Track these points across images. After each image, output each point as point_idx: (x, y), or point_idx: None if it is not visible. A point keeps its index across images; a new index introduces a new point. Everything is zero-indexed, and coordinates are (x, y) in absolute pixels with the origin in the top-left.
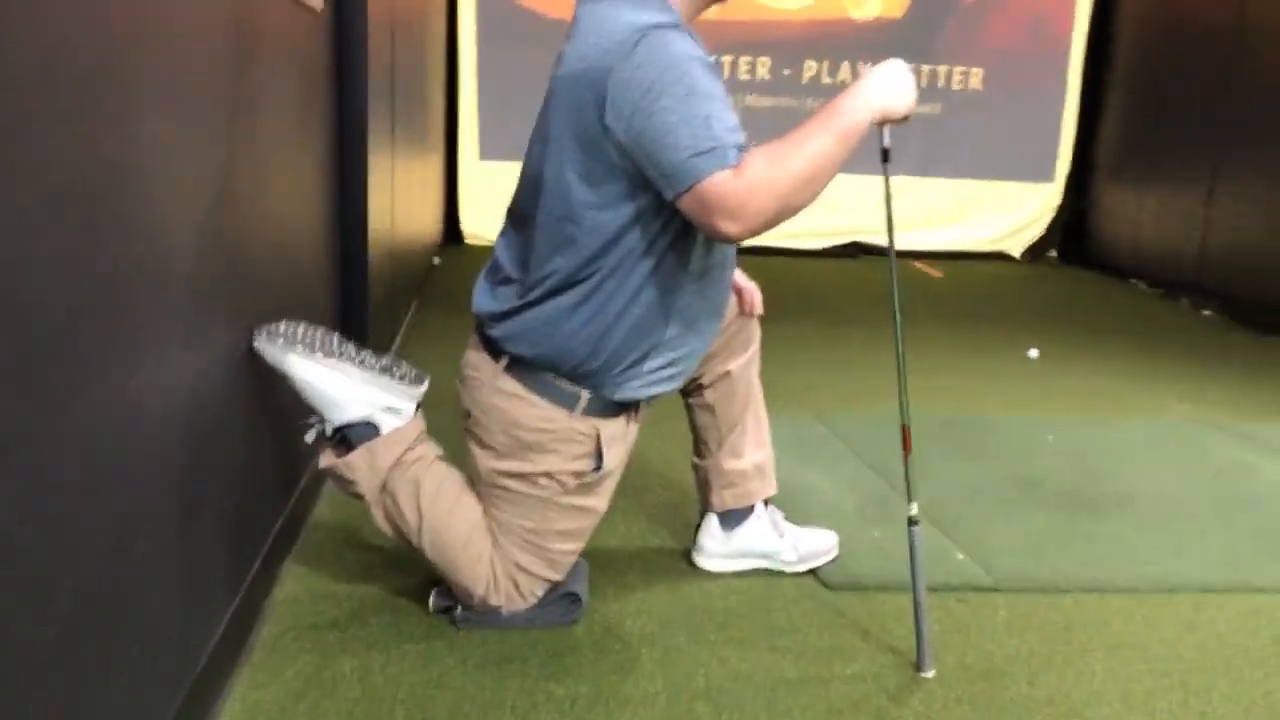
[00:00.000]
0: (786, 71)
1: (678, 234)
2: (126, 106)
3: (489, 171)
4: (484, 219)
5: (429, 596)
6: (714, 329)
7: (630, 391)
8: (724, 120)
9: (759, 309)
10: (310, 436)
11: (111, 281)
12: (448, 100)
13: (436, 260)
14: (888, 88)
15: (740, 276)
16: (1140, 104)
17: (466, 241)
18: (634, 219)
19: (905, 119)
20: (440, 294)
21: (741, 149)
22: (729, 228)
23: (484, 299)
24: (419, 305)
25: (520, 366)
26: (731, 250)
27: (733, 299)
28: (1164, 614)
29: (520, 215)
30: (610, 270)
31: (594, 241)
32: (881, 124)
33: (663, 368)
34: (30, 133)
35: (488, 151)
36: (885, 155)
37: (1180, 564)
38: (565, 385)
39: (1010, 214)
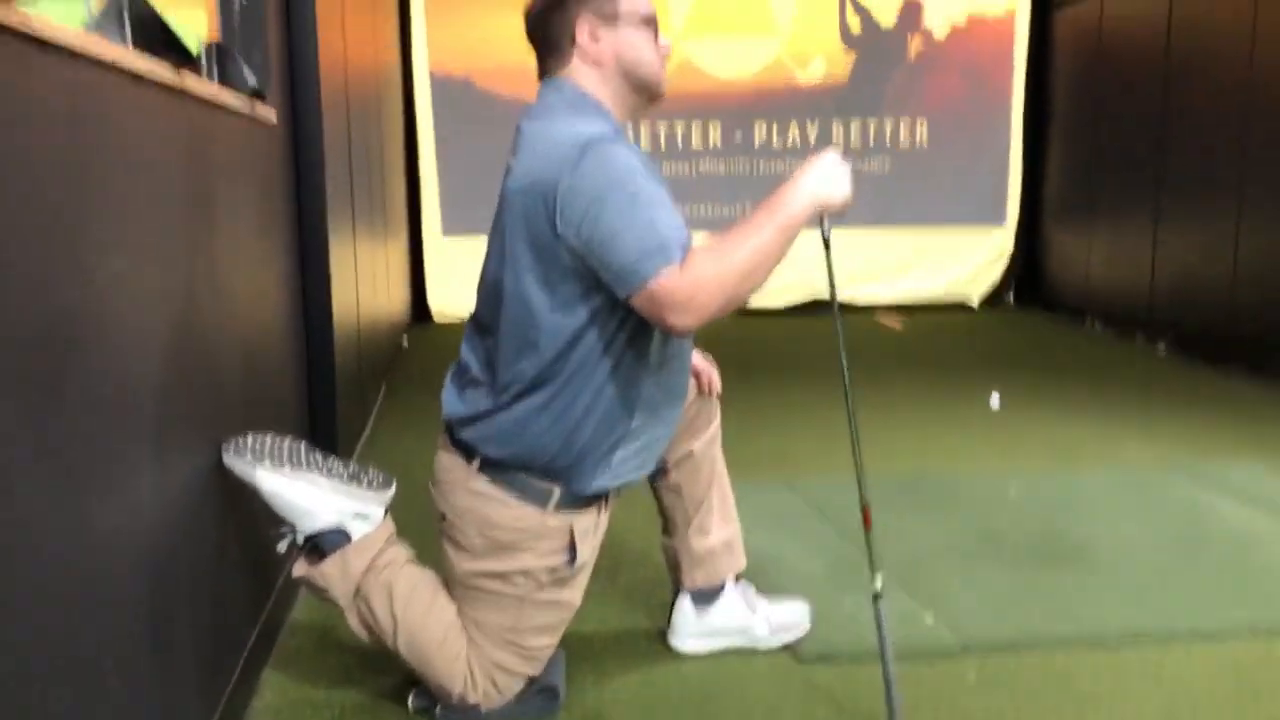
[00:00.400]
0: (737, 137)
1: (634, 329)
2: (83, 250)
3: (453, 247)
4: (450, 295)
5: (408, 697)
6: (676, 415)
7: (601, 483)
8: (668, 221)
9: (718, 388)
10: (282, 546)
11: (74, 416)
12: (409, 178)
13: (405, 341)
14: (825, 180)
15: (698, 358)
16: (1081, 148)
17: (435, 319)
18: (591, 319)
19: (843, 209)
20: (410, 374)
21: (686, 247)
22: (680, 321)
23: (453, 403)
24: (388, 388)
25: (492, 467)
26: (688, 339)
27: (692, 381)
28: (1130, 666)
29: (482, 322)
30: (574, 369)
31: (556, 343)
32: (821, 215)
33: (630, 458)
34: None
35: (450, 226)
36: (826, 244)
37: (1143, 613)
38: (537, 482)
39: (964, 261)
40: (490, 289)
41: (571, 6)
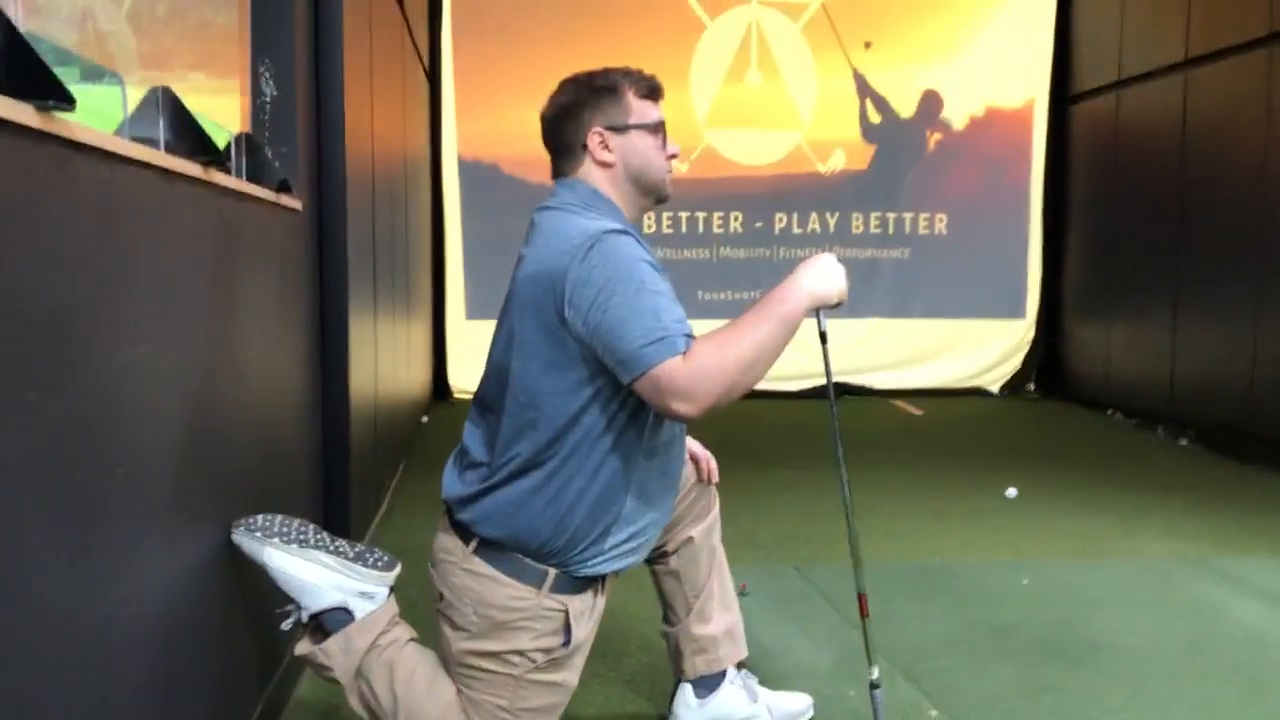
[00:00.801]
0: (758, 224)
1: (632, 414)
2: (107, 337)
3: (476, 330)
4: (472, 375)
5: None
6: (670, 501)
7: (595, 567)
8: (672, 313)
9: (715, 477)
10: (287, 624)
11: (87, 497)
12: (435, 263)
13: (424, 419)
14: (821, 277)
15: (696, 446)
16: (1099, 241)
17: (455, 397)
18: (592, 402)
19: (839, 304)
20: (428, 452)
21: (690, 338)
22: (681, 408)
23: (452, 484)
24: (406, 466)
25: (489, 548)
26: (682, 427)
27: (690, 468)
28: None
29: (486, 403)
30: (570, 451)
31: (555, 424)
32: (817, 310)
33: (624, 542)
34: (9, 369)
35: (474, 310)
36: (823, 338)
37: (1151, 713)
38: (532, 564)
39: (985, 350)
40: (495, 371)
41: (584, 116)
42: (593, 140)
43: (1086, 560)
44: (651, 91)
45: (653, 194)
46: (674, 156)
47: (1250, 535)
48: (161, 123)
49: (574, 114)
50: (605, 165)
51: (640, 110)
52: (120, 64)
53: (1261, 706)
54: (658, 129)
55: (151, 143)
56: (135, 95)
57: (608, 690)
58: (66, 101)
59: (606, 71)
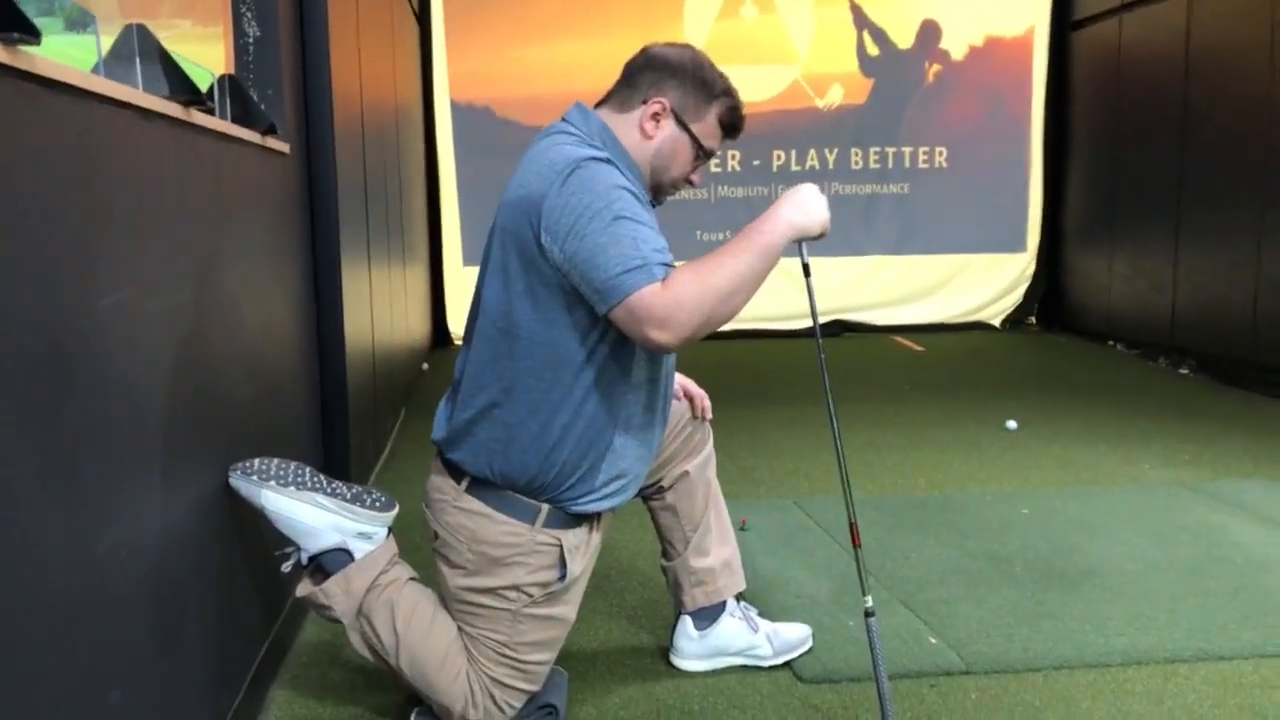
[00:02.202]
0: (756, 162)
1: (614, 347)
2: (90, 280)
3: (474, 276)
4: None
5: (410, 715)
6: (657, 440)
7: (586, 505)
8: (651, 241)
9: (709, 413)
10: (287, 566)
11: (75, 438)
12: (430, 209)
13: (425, 365)
14: (803, 208)
15: (690, 383)
16: (1100, 171)
17: (455, 343)
18: (572, 333)
19: (820, 235)
20: (430, 398)
21: (669, 267)
22: (658, 336)
23: (442, 423)
24: (408, 411)
25: (480, 485)
26: (671, 364)
27: (684, 404)
28: (1133, 688)
29: (470, 331)
30: (551, 382)
31: (536, 354)
32: (799, 241)
33: (614, 479)
34: None
35: (471, 257)
36: (806, 270)
37: (1149, 635)
38: (525, 500)
39: (986, 285)
40: (477, 296)
41: (669, 83)
42: (654, 105)
43: (1087, 488)
44: (732, 127)
45: (651, 188)
46: (691, 183)
47: (1251, 460)
48: (138, 62)
49: (665, 74)
50: (644, 133)
51: (710, 130)
52: (103, 12)
53: (1260, 628)
54: (705, 154)
55: (129, 81)
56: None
57: (610, 625)
58: (31, 34)
59: (721, 76)
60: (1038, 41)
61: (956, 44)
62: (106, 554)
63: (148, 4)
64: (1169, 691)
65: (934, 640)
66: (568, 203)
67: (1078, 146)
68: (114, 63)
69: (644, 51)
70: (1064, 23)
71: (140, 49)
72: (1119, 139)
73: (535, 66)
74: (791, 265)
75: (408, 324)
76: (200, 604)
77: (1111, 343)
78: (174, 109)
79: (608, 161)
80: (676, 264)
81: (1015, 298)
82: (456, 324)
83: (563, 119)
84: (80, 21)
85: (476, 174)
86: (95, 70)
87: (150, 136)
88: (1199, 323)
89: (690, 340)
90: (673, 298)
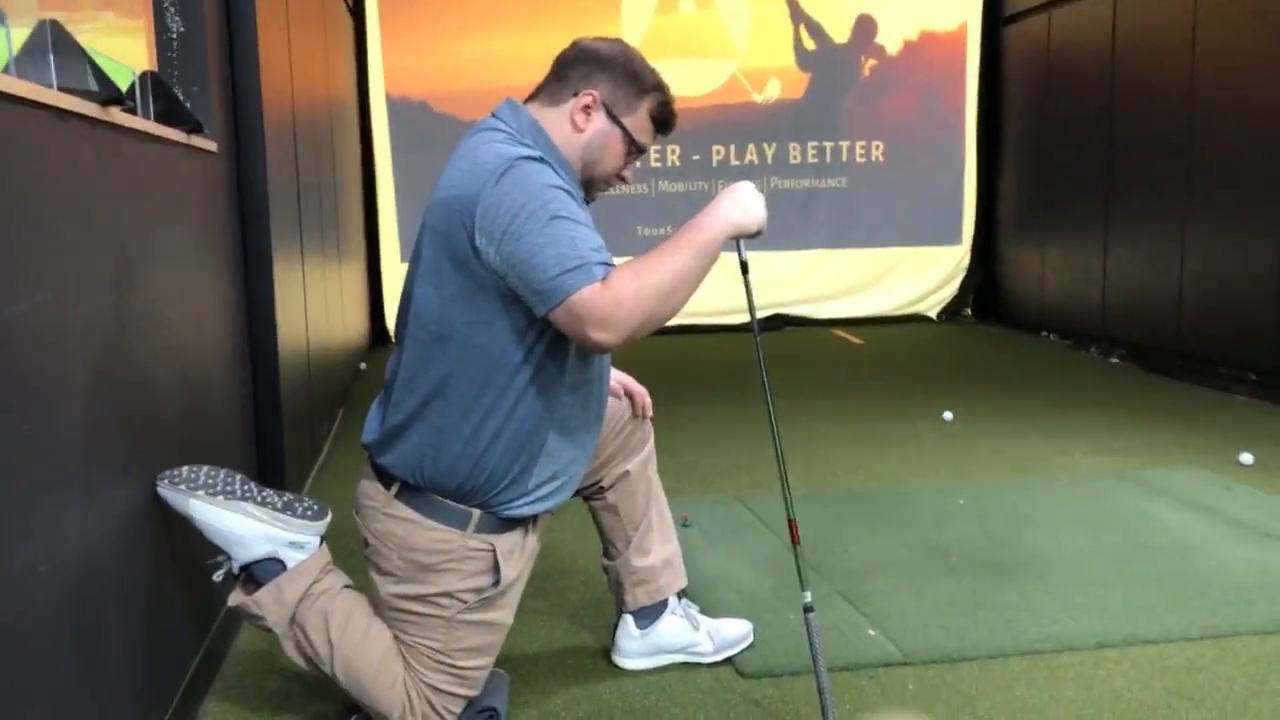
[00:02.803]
0: (696, 157)
1: (550, 347)
2: (3, 287)
3: None
4: None
5: None
6: (593, 441)
7: (520, 509)
8: (589, 241)
9: (649, 411)
10: (219, 576)
11: None
12: (366, 206)
13: (363, 365)
14: (740, 206)
15: (629, 381)
16: (1032, 164)
17: (394, 341)
18: (507, 334)
19: (758, 233)
20: (368, 398)
21: (607, 266)
22: (600, 337)
23: (373, 427)
24: (346, 411)
25: (410, 491)
26: (606, 364)
27: (625, 403)
28: (1064, 674)
29: (400, 332)
30: (484, 385)
31: (467, 356)
32: (737, 238)
33: (547, 481)
34: None
35: (409, 253)
36: (744, 267)
37: (1081, 622)
38: (455, 505)
39: (923, 277)
40: (406, 297)
41: (599, 76)
42: (585, 98)
43: (1021, 478)
44: (663, 122)
45: (582, 183)
46: (623, 179)
47: (1178, 448)
48: (52, 60)
49: (595, 67)
50: (575, 125)
51: (641, 124)
52: (20, 5)
53: (1185, 611)
54: (637, 149)
55: (43, 81)
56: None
57: (551, 625)
58: None
59: (652, 70)
60: (971, 36)
61: (891, 38)
62: (22, 570)
63: None
64: (1099, 676)
65: (873, 632)
66: (501, 203)
67: (1010, 140)
68: (26, 60)
69: (574, 45)
70: (996, 18)
71: (54, 45)
72: (1049, 133)
73: (472, 60)
74: (731, 260)
75: (344, 323)
76: (126, 617)
77: (1045, 333)
78: (91, 108)
79: (541, 160)
80: (615, 261)
81: (951, 290)
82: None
83: (492, 115)
84: None
85: (413, 169)
86: (6, 69)
87: (66, 137)
88: (1128, 313)
89: (632, 339)
90: (613, 297)
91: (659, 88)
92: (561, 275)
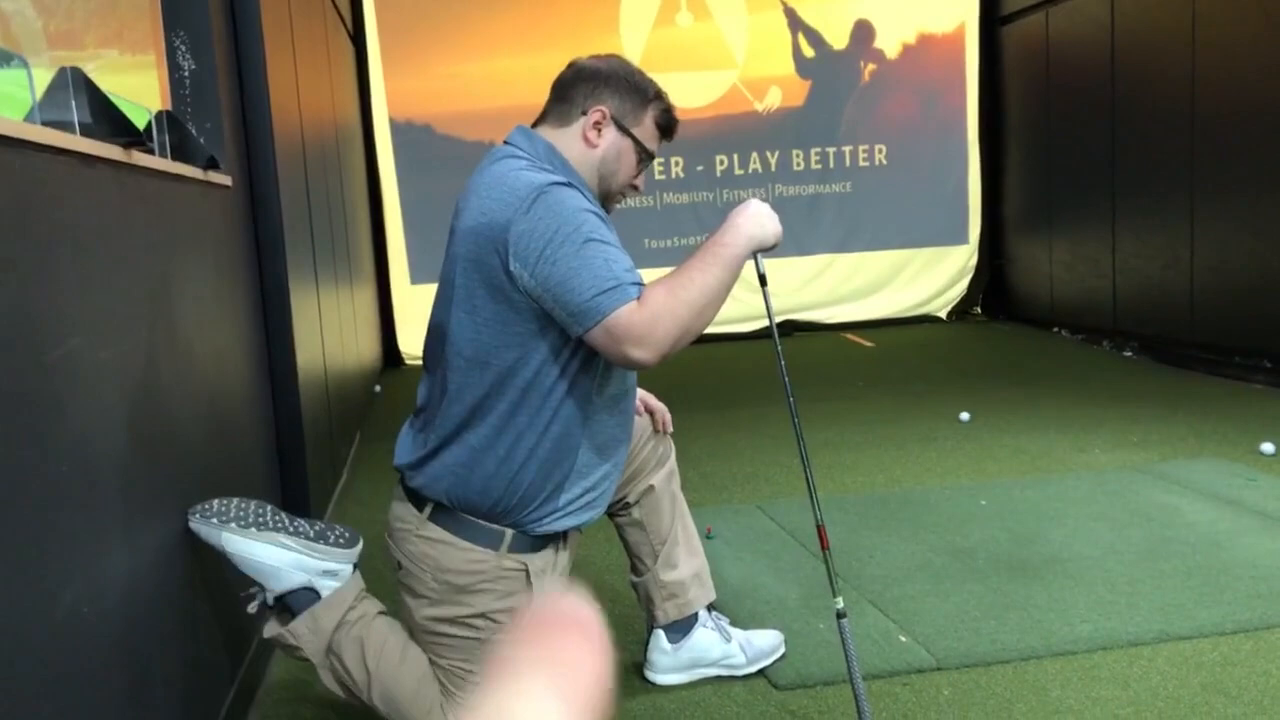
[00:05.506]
0: (699, 167)
1: (583, 366)
2: (36, 333)
3: (421, 294)
4: (421, 340)
5: None
6: (623, 455)
7: (551, 525)
8: (621, 262)
9: (670, 426)
10: (253, 607)
11: (32, 498)
12: (375, 230)
13: (378, 388)
14: (757, 220)
15: (650, 397)
16: (1036, 162)
17: (406, 363)
18: (539, 357)
19: (775, 245)
20: (384, 421)
21: (640, 285)
22: (638, 355)
23: (405, 450)
24: (363, 435)
25: (442, 512)
26: (633, 380)
27: (645, 419)
28: (1099, 674)
29: (430, 363)
30: (519, 406)
31: (503, 379)
32: (755, 252)
33: (579, 497)
34: None
35: (418, 275)
36: (763, 280)
37: (1112, 620)
38: (487, 525)
39: (931, 278)
40: (436, 328)
41: (604, 91)
42: (594, 115)
43: (1041, 476)
44: (667, 128)
45: (600, 197)
46: (636, 188)
47: (1197, 440)
48: (74, 105)
49: (598, 83)
50: (588, 142)
51: (649, 133)
52: (27, 45)
53: (1217, 605)
54: (648, 157)
55: (66, 127)
56: (45, 78)
57: None
58: None
59: (650, 80)
60: (969, 37)
61: (890, 42)
62: (66, 612)
63: (72, 33)
64: (1135, 675)
65: (904, 638)
66: (535, 228)
67: (1013, 138)
68: (49, 107)
69: (571, 66)
70: (993, 18)
71: (75, 91)
72: (1052, 129)
73: (474, 82)
74: (744, 270)
75: (359, 347)
76: (166, 652)
77: (1056, 329)
78: (114, 152)
79: (568, 185)
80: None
81: (960, 289)
82: (407, 344)
83: (506, 143)
84: (3, 57)
85: (420, 191)
86: (30, 117)
87: (92, 182)
88: (1139, 306)
89: (667, 355)
90: (650, 315)
91: (660, 96)
92: (598, 296)
